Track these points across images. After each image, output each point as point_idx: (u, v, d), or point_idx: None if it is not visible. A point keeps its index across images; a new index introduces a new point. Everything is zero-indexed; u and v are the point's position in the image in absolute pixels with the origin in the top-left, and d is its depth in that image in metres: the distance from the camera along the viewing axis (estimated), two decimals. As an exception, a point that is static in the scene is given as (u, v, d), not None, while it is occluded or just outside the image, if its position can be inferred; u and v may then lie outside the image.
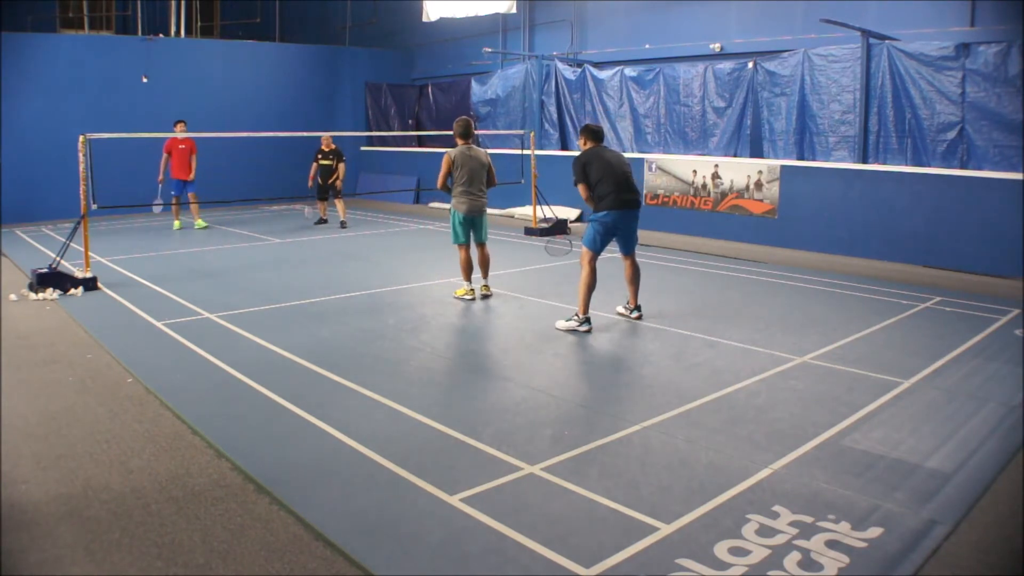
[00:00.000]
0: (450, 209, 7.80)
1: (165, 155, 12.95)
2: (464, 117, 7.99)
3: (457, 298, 7.81)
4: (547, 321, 6.90)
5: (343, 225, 13.49)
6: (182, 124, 12.97)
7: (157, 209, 12.93)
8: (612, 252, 7.04)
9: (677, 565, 3.06)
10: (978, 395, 5.07)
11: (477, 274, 7.95)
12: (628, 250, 6.86)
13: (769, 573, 3.02)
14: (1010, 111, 9.70)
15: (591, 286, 6.60)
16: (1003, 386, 5.25)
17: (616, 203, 6.53)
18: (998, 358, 5.87)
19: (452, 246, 7.95)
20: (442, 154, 7.77)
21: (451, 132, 7.87)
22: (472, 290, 7.82)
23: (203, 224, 13.44)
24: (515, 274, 9.17)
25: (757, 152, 12.36)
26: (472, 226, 7.74)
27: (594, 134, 6.86)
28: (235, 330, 6.67)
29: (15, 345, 6.23)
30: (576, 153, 7.22)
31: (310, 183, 13.82)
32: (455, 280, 8.58)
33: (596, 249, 6.65)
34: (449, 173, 7.65)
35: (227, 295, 8.07)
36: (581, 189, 6.66)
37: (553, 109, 15.61)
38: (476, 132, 7.92)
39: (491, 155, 8.01)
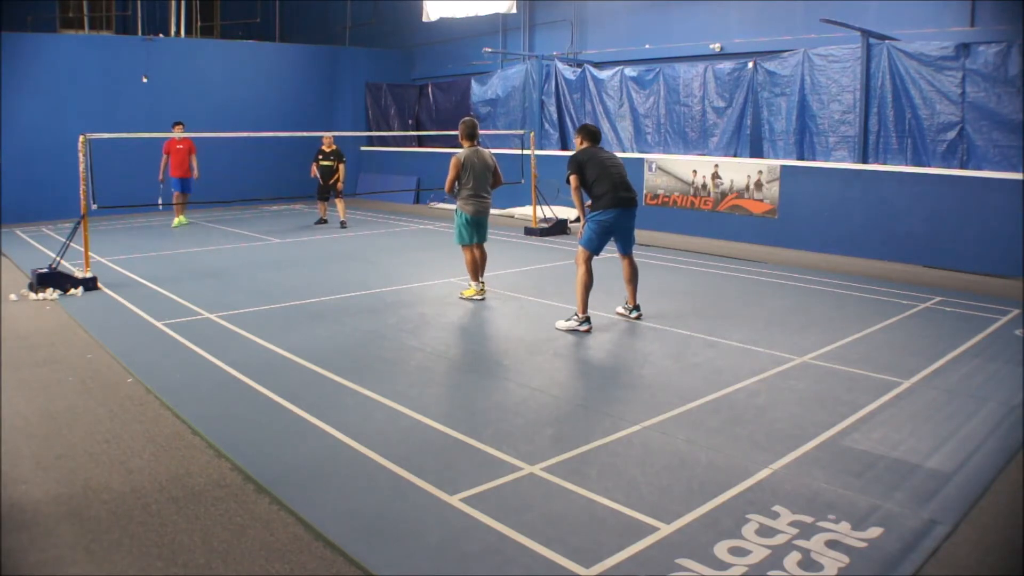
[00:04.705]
0: (455, 210, 7.79)
1: (164, 156, 13.28)
2: (469, 118, 7.96)
3: (465, 299, 7.77)
4: (547, 321, 6.90)
5: (343, 225, 13.48)
6: (180, 125, 13.26)
7: (163, 208, 13.34)
8: (611, 252, 7.05)
9: (677, 565, 3.06)
10: (978, 395, 5.07)
11: (477, 274, 7.96)
12: (626, 250, 6.86)
13: (769, 573, 3.02)
14: (1010, 111, 9.70)
15: (588, 285, 6.60)
16: (1003, 386, 5.25)
17: (613, 202, 6.53)
18: (998, 358, 5.87)
19: (453, 246, 7.94)
20: (442, 154, 7.78)
21: (452, 132, 7.86)
22: (482, 290, 7.80)
23: (184, 221, 13.79)
24: (515, 274, 9.17)
25: (757, 152, 12.36)
26: (477, 227, 7.74)
27: (591, 135, 6.87)
28: (235, 330, 6.67)
29: (15, 345, 6.23)
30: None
31: (312, 174, 13.83)
32: (455, 280, 8.58)
33: (593, 249, 6.65)
34: (458, 176, 7.64)
35: (227, 295, 8.07)
36: (572, 180, 6.63)
37: (553, 109, 15.61)
38: (478, 133, 7.88)
39: (493, 156, 8.00)
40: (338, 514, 3.49)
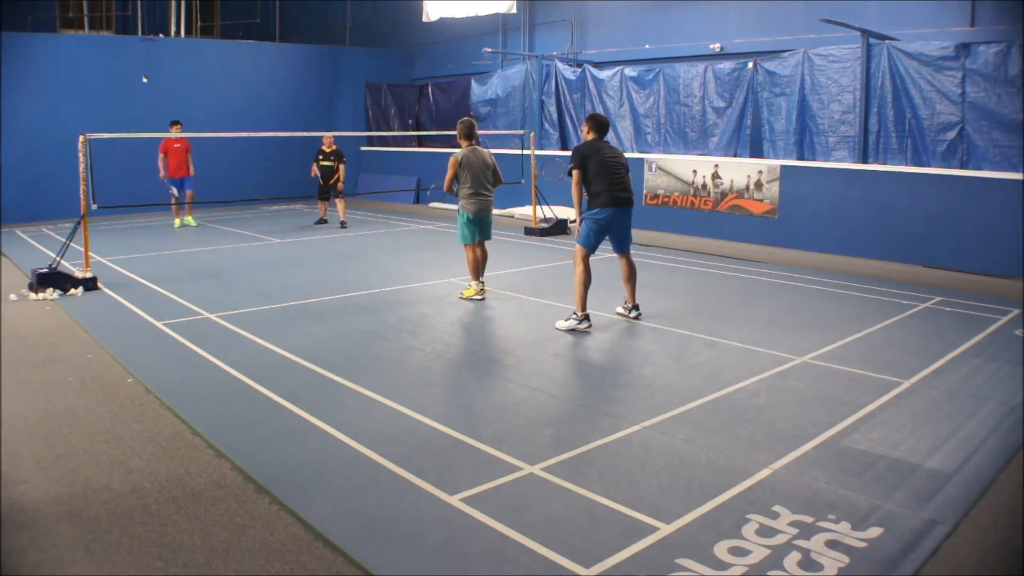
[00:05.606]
0: (458, 210, 7.79)
1: (161, 155, 13.14)
2: (467, 118, 7.96)
3: (465, 299, 7.77)
4: (547, 321, 6.90)
5: (343, 225, 13.48)
6: (178, 125, 13.17)
7: (183, 206, 13.56)
8: (611, 252, 7.04)
9: (677, 565, 3.06)
10: (978, 395, 5.07)
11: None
12: (623, 249, 6.85)
13: (769, 573, 3.02)
14: (1010, 111, 9.70)
15: (586, 283, 6.61)
16: (1003, 386, 5.25)
17: (609, 201, 6.53)
18: (998, 358, 5.87)
19: (452, 246, 7.93)
20: (442, 154, 7.78)
21: (451, 132, 7.85)
22: (482, 289, 7.80)
23: (193, 223, 13.78)
24: (515, 274, 9.17)
25: (757, 152, 12.35)
26: (479, 225, 7.74)
27: (598, 125, 6.76)
28: (235, 330, 6.67)
29: (15, 345, 6.23)
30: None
31: (313, 174, 13.84)
32: (455, 280, 8.58)
33: (590, 247, 6.66)
34: (456, 175, 7.65)
35: (227, 295, 8.07)
36: (575, 174, 6.62)
37: (553, 109, 15.61)
38: (476, 132, 7.89)
39: (491, 155, 8.01)
40: (338, 514, 3.49)
